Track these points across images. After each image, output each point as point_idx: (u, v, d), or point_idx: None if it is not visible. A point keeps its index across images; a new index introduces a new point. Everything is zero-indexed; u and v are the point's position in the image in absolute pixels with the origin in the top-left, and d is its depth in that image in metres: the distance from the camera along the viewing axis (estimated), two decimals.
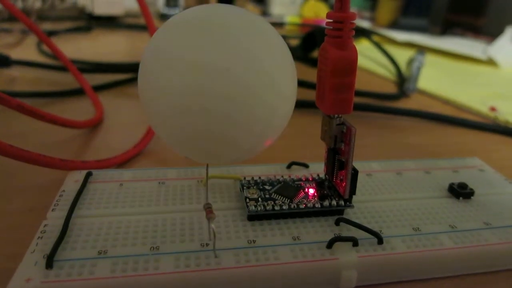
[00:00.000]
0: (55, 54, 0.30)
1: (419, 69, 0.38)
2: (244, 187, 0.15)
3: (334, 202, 0.14)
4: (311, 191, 0.15)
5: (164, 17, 0.75)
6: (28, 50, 0.45)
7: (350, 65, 0.13)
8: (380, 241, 0.13)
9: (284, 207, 0.14)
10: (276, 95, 0.11)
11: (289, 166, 0.18)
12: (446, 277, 0.14)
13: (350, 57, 0.13)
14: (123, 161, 0.20)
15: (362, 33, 0.49)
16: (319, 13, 0.76)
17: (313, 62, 0.42)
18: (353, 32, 0.13)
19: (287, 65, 0.12)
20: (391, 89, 0.38)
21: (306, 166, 0.18)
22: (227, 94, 0.11)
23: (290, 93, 0.12)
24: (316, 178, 0.16)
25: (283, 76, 0.12)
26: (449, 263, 0.13)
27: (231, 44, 0.11)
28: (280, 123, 0.12)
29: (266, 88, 0.11)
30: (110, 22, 0.68)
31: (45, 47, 0.44)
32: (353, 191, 0.14)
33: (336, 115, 0.14)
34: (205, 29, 0.11)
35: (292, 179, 0.16)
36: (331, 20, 0.13)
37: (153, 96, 0.11)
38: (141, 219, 0.14)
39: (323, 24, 0.14)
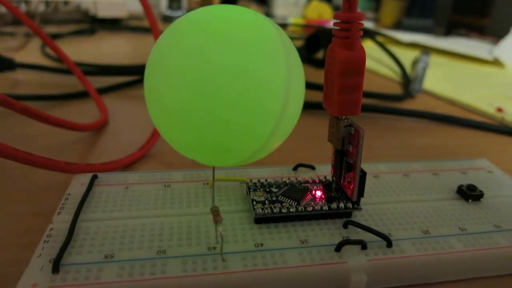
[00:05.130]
0: (59, 57, 0.30)
1: (424, 69, 0.38)
2: (251, 190, 0.15)
3: (342, 205, 0.14)
4: (319, 193, 0.15)
5: (167, 19, 0.76)
6: (32, 53, 0.45)
7: (358, 65, 0.13)
8: (389, 244, 0.13)
9: (291, 210, 0.14)
10: (284, 96, 0.11)
11: (295, 168, 0.18)
12: (456, 281, 0.13)
13: (358, 57, 0.12)
14: (129, 164, 0.20)
15: (367, 34, 0.49)
16: (322, 14, 0.76)
17: (317, 63, 0.42)
18: (361, 33, 0.12)
19: (295, 65, 0.12)
20: (396, 90, 0.37)
21: (312, 168, 0.18)
22: (234, 94, 0.10)
23: (298, 91, 0.12)
24: (323, 180, 0.16)
25: (291, 76, 0.11)
26: (459, 266, 0.13)
27: (238, 44, 0.11)
28: (289, 123, 0.12)
29: (274, 87, 0.11)
30: (113, 25, 0.68)
31: (49, 50, 0.44)
32: (361, 193, 0.14)
33: (343, 117, 0.14)
34: (212, 30, 0.11)
35: (299, 181, 0.16)
36: (338, 21, 0.13)
37: (158, 97, 0.11)
38: (147, 222, 0.14)
39: (327, 25, 0.14)
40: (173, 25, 0.12)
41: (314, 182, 0.16)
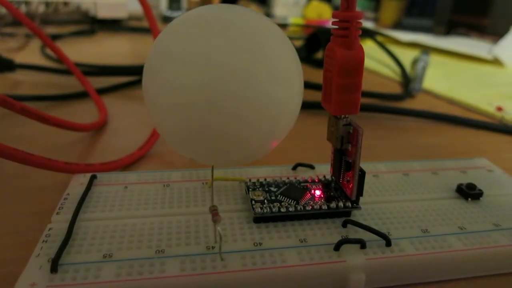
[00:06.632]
0: (59, 58, 0.30)
1: (424, 69, 0.38)
2: (250, 189, 0.15)
3: (341, 204, 0.14)
4: (318, 192, 0.15)
5: (167, 19, 0.76)
6: (32, 54, 0.45)
7: (357, 65, 0.13)
8: (388, 243, 0.13)
9: (290, 209, 0.14)
10: (284, 92, 0.11)
11: (294, 168, 0.18)
12: (455, 280, 0.13)
13: (357, 56, 0.12)
14: (128, 164, 0.20)
15: (366, 33, 0.49)
16: (322, 14, 0.76)
17: (316, 63, 0.42)
18: (360, 32, 0.12)
19: (293, 61, 0.12)
20: (396, 89, 0.37)
21: (312, 167, 0.18)
22: (233, 92, 0.10)
23: (297, 90, 0.12)
24: (323, 179, 0.16)
25: (290, 72, 0.11)
26: (458, 265, 0.13)
27: (237, 41, 0.11)
28: (287, 122, 0.12)
29: (273, 85, 0.11)
30: (113, 25, 0.68)
31: (49, 51, 0.44)
32: (360, 192, 0.14)
33: (342, 116, 0.14)
34: (211, 27, 0.11)
35: (298, 180, 0.16)
36: (337, 20, 0.13)
37: (158, 95, 0.11)
38: (146, 222, 0.14)
39: (327, 25, 0.14)
40: (172, 24, 0.12)
41: (313, 181, 0.16)
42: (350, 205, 0.14)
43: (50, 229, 0.13)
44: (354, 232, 0.14)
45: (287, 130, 0.13)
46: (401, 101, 0.34)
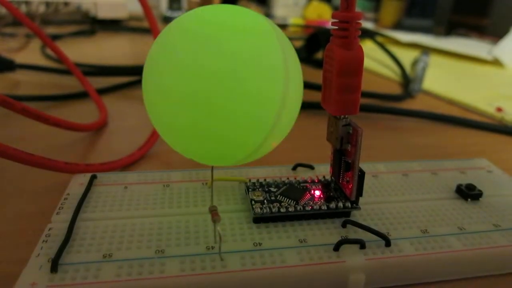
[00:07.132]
0: (59, 58, 0.30)
1: (424, 69, 0.38)
2: (250, 189, 0.15)
3: (340, 204, 0.14)
4: (317, 193, 0.15)
5: (167, 19, 0.76)
6: (32, 54, 0.45)
7: (356, 65, 0.13)
8: (388, 243, 0.13)
9: (290, 209, 0.14)
10: (282, 96, 0.11)
11: (294, 168, 0.18)
12: (454, 280, 0.13)
13: (357, 57, 0.12)
14: (128, 164, 0.20)
15: (366, 34, 0.49)
16: (322, 14, 0.76)
17: (317, 64, 0.42)
18: (359, 32, 0.12)
19: (292, 65, 0.12)
20: (396, 90, 0.37)
21: (311, 167, 0.18)
22: (231, 96, 0.10)
23: (296, 93, 0.12)
24: (322, 179, 0.16)
25: (289, 72, 0.11)
26: (458, 266, 0.13)
27: (235, 45, 0.11)
28: (287, 122, 0.12)
29: (271, 89, 0.11)
30: (113, 26, 0.68)
31: (49, 51, 0.44)
32: (359, 192, 0.14)
33: (342, 116, 0.14)
34: (209, 31, 0.11)
35: (298, 181, 0.16)
36: (337, 20, 0.13)
37: (157, 97, 0.11)
38: (146, 222, 0.14)
39: (327, 26, 0.14)
40: (168, 27, 0.12)
41: (313, 181, 0.16)
42: (349, 205, 0.14)
43: (50, 229, 0.13)
44: (354, 233, 0.14)
45: (286, 130, 0.13)
46: (400, 102, 0.34)
